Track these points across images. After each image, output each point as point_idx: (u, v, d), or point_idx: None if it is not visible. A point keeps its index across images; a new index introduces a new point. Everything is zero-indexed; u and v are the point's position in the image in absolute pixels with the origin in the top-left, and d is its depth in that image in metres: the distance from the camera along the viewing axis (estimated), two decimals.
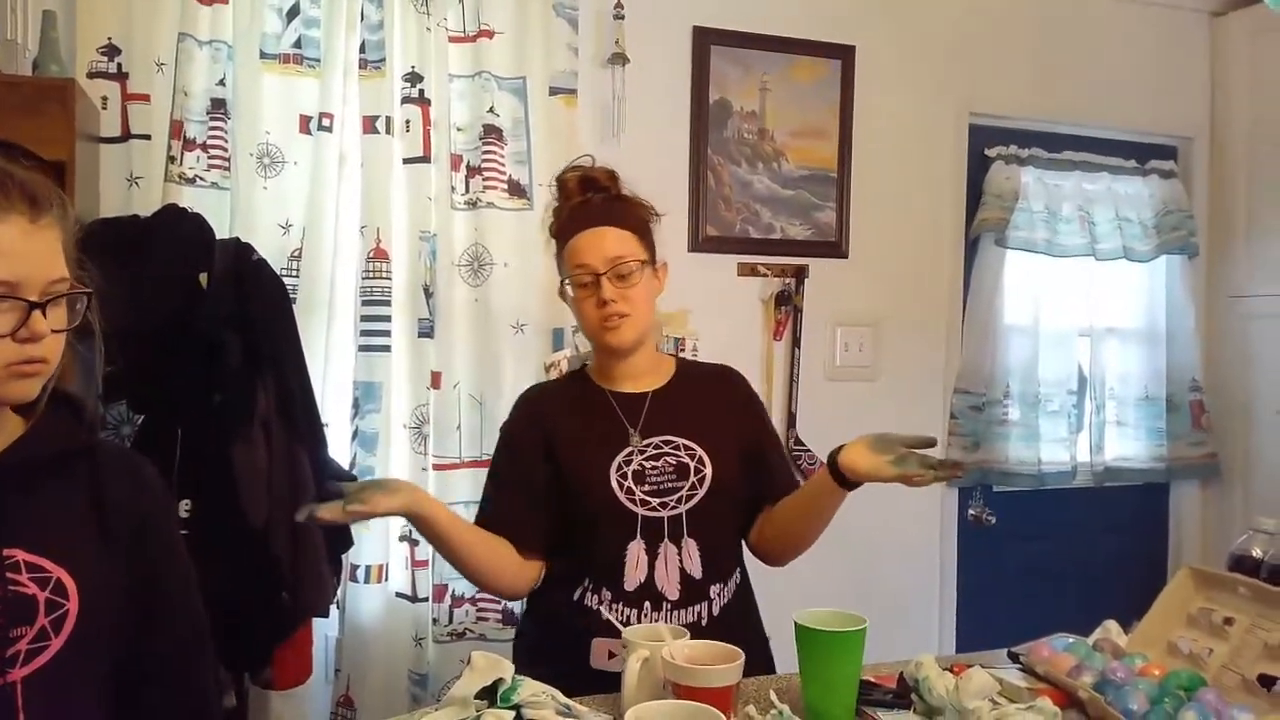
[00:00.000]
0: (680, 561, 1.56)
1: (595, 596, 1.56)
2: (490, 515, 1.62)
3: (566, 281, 1.61)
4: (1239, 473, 3.40)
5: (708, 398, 1.69)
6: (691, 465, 1.59)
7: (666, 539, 1.56)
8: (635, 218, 1.63)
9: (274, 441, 2.07)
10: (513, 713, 1.12)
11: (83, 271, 1.10)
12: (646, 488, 1.57)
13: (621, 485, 1.56)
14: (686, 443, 1.61)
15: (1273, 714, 1.21)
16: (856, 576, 2.98)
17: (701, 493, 1.58)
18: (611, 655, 1.49)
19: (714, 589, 1.59)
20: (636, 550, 1.55)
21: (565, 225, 1.62)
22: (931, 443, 1.48)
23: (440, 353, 2.53)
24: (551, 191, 1.71)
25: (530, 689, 1.15)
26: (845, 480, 1.50)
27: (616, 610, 1.53)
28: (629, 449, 1.59)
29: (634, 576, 1.55)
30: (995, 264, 3.20)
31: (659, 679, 1.22)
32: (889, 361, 3.13)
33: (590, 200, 1.61)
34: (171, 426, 2.05)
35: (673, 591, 1.55)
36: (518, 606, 2.10)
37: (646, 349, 1.67)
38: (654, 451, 1.59)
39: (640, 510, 1.56)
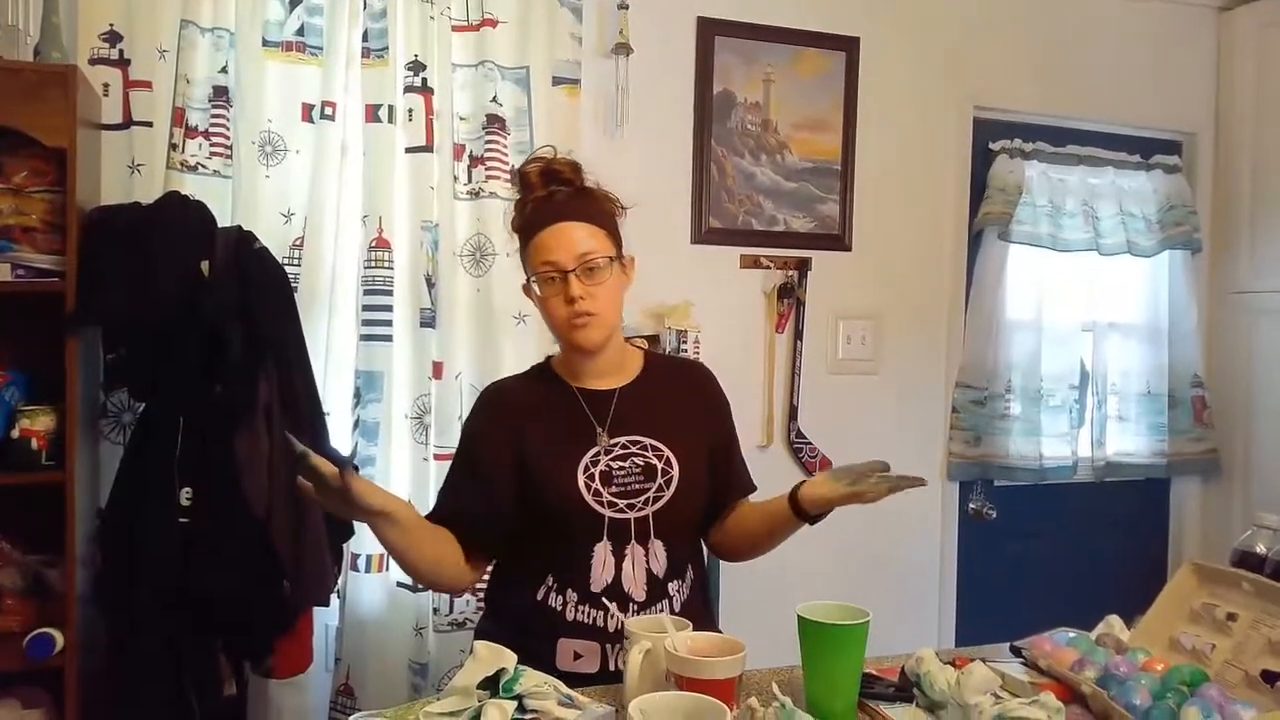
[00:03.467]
0: (647, 563, 1.54)
1: (560, 597, 1.53)
2: (446, 511, 1.57)
3: (533, 279, 1.56)
4: (1240, 469, 3.40)
5: (676, 396, 1.66)
6: (659, 466, 1.56)
7: (633, 540, 1.54)
8: (602, 211, 1.58)
9: (275, 430, 2.06)
10: (515, 703, 1.12)
11: None
12: (614, 489, 1.54)
13: (589, 487, 1.53)
14: (654, 443, 1.58)
15: (1276, 710, 1.20)
16: (857, 570, 2.99)
17: (669, 495, 1.56)
18: (578, 656, 1.49)
19: (672, 585, 1.57)
20: (603, 552, 1.52)
21: (529, 220, 1.57)
22: (885, 466, 1.47)
23: (442, 343, 2.53)
24: (514, 185, 1.65)
25: (533, 679, 1.15)
26: (804, 514, 1.54)
27: (582, 611, 1.51)
28: (596, 449, 1.56)
29: (601, 578, 1.52)
30: (998, 258, 3.20)
31: (661, 670, 1.21)
32: (891, 355, 3.12)
33: (554, 194, 1.56)
34: (173, 415, 2.05)
35: (639, 592, 1.53)
36: None
37: (614, 345, 1.62)
38: (621, 452, 1.56)
39: (607, 512, 1.53)
